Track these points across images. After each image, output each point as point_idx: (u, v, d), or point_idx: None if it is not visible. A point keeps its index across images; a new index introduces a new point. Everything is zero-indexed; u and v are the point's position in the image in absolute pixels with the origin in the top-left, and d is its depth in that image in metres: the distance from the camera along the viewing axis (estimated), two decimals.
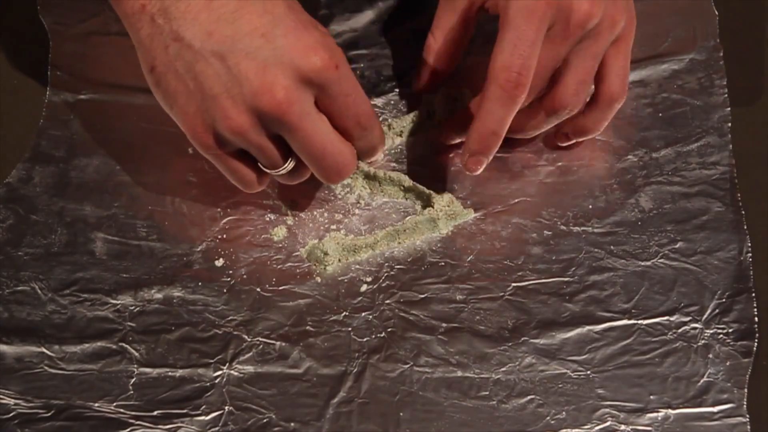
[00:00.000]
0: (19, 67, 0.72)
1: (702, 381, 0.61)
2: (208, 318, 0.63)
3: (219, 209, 0.66)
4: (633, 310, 0.63)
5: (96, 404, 0.61)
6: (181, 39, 0.55)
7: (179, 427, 0.60)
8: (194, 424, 0.60)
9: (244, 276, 0.64)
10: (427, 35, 0.67)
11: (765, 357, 0.61)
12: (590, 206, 0.66)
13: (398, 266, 0.65)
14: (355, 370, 0.62)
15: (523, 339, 0.62)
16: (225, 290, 0.64)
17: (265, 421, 0.60)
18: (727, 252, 0.64)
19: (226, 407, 0.61)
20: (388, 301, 0.63)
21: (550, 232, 0.65)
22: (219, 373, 0.62)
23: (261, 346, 0.62)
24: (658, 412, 0.60)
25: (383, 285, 0.64)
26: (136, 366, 0.62)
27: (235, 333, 0.63)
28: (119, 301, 0.63)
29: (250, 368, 0.62)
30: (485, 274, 0.64)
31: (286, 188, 0.66)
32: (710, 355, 0.61)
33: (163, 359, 0.62)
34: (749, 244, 0.64)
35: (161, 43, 0.56)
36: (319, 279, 0.64)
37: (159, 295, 0.64)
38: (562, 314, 0.63)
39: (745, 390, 0.60)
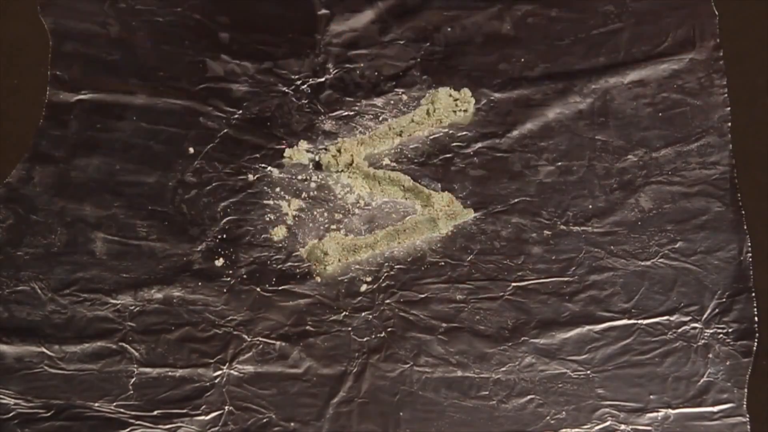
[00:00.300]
0: (19, 67, 0.72)
1: (702, 381, 0.61)
2: (208, 318, 0.63)
3: (219, 209, 0.66)
4: (633, 310, 0.63)
5: (96, 404, 0.61)
6: None
7: (179, 427, 0.60)
8: (194, 423, 0.60)
9: (244, 276, 0.64)
10: None
11: (765, 357, 0.61)
12: (590, 206, 0.66)
13: (398, 266, 0.65)
14: (355, 370, 0.62)
15: (523, 339, 0.62)
16: (225, 290, 0.64)
17: (265, 420, 0.60)
18: (727, 252, 0.64)
19: (226, 407, 0.61)
20: (388, 301, 0.63)
21: (549, 232, 0.65)
22: (219, 372, 0.62)
23: (261, 346, 0.62)
24: (658, 411, 0.60)
25: (383, 285, 0.64)
26: (136, 366, 0.62)
27: (235, 333, 0.63)
28: (119, 301, 0.63)
29: (250, 368, 0.62)
30: (485, 273, 0.64)
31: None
32: (710, 355, 0.61)
33: (163, 359, 0.62)
34: (749, 244, 0.64)
35: None
36: (319, 279, 0.64)
37: (159, 295, 0.64)
38: (562, 314, 0.63)
39: (745, 390, 0.60)
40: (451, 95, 0.70)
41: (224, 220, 0.66)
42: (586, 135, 0.69)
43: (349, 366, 0.62)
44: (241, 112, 0.70)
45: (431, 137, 0.69)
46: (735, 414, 0.60)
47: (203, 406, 0.61)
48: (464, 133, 0.69)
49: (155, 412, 0.60)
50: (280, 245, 0.65)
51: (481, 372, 0.61)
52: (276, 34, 0.73)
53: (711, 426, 0.59)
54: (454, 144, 0.69)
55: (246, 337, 0.63)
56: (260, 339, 0.63)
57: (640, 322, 0.62)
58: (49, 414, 0.60)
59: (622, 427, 0.60)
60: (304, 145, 0.69)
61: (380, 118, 0.70)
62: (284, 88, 0.71)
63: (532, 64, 0.71)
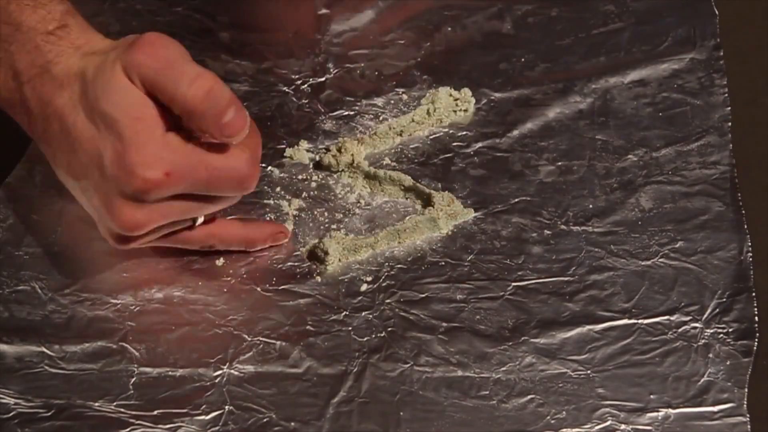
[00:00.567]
0: None
1: (702, 380, 0.60)
2: (209, 317, 0.63)
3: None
4: (633, 310, 0.63)
5: (96, 404, 0.60)
6: None
7: (179, 427, 0.60)
8: (194, 423, 0.60)
9: (245, 275, 0.64)
10: None
11: (765, 356, 0.61)
12: (590, 206, 0.66)
13: (398, 266, 0.65)
14: (355, 370, 0.62)
15: (523, 338, 0.62)
16: (225, 290, 0.64)
17: (265, 420, 0.60)
18: (728, 251, 0.64)
19: (227, 407, 0.61)
20: (388, 301, 0.63)
21: (550, 232, 0.65)
22: (219, 372, 0.62)
23: (261, 346, 0.62)
24: (658, 411, 0.60)
25: (383, 284, 0.64)
26: (136, 365, 0.62)
27: (236, 332, 0.63)
28: (119, 301, 0.63)
29: (250, 368, 0.62)
30: (485, 273, 0.64)
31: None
32: (710, 355, 0.61)
33: (163, 359, 0.62)
34: (749, 244, 0.64)
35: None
36: (319, 278, 0.64)
37: (159, 295, 0.64)
38: (563, 314, 0.63)
39: (746, 389, 0.60)
40: (451, 95, 0.70)
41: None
42: (587, 135, 0.69)
43: (350, 366, 0.62)
44: None
45: (431, 137, 0.69)
46: (735, 414, 0.60)
47: (203, 406, 0.61)
48: (464, 132, 0.69)
49: (155, 412, 0.60)
50: (281, 245, 0.65)
51: (481, 372, 0.61)
52: (276, 34, 0.73)
53: (711, 426, 0.59)
54: (455, 144, 0.69)
55: (246, 336, 0.63)
56: (260, 339, 0.62)
57: (640, 321, 0.62)
58: (49, 414, 0.60)
59: (623, 426, 0.60)
60: (304, 144, 0.69)
61: (380, 118, 0.70)
62: (284, 88, 0.71)
63: (533, 63, 0.71)
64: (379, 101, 0.71)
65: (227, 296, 0.64)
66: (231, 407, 0.61)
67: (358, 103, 0.70)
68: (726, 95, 0.69)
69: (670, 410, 0.60)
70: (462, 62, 0.71)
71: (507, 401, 0.60)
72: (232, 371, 0.62)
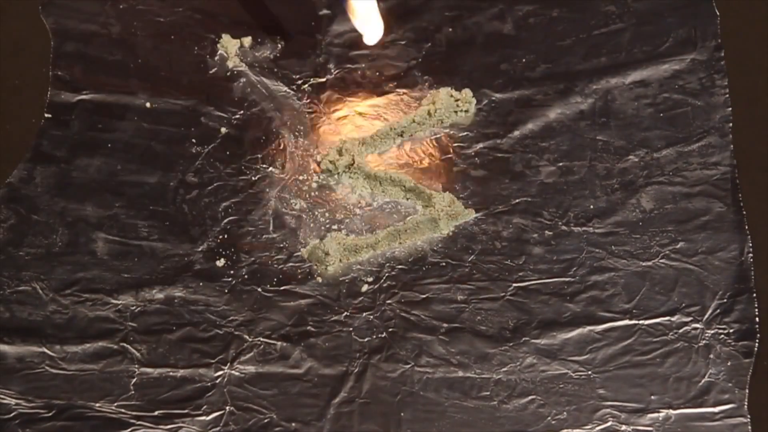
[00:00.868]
0: (20, 67, 0.72)
1: (703, 381, 0.61)
2: (209, 318, 0.63)
3: (220, 209, 0.66)
4: (634, 311, 0.63)
5: (97, 404, 0.61)
6: None
7: (180, 427, 0.60)
8: (195, 424, 0.60)
9: (245, 276, 0.64)
10: None
11: (766, 357, 0.61)
12: (591, 206, 0.66)
13: (399, 266, 0.65)
14: (356, 370, 0.62)
15: (524, 339, 0.62)
16: (226, 290, 0.64)
17: (266, 421, 0.60)
18: (728, 252, 0.64)
19: (227, 407, 0.61)
20: (389, 301, 0.63)
21: (551, 233, 0.65)
22: (220, 373, 0.62)
23: (262, 346, 0.62)
24: (659, 412, 0.60)
25: (384, 285, 0.64)
26: (137, 366, 0.62)
27: (236, 333, 0.63)
28: (120, 301, 0.63)
29: (251, 368, 0.62)
30: (486, 274, 0.64)
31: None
32: (711, 356, 0.61)
33: (164, 359, 0.62)
34: (750, 245, 0.64)
35: None
36: (320, 279, 0.64)
37: (160, 295, 0.64)
38: (563, 314, 0.63)
39: (746, 390, 0.60)
40: (452, 95, 0.70)
41: (225, 221, 0.66)
42: (588, 135, 0.69)
43: (351, 366, 0.62)
44: (242, 112, 0.70)
45: (432, 137, 0.69)
46: (736, 414, 0.60)
47: (204, 407, 0.61)
48: (465, 133, 0.69)
49: (156, 413, 0.60)
50: (282, 245, 0.65)
51: (482, 372, 0.61)
52: (277, 34, 0.73)
53: (712, 426, 0.59)
54: (456, 144, 0.69)
55: (247, 337, 0.63)
56: (261, 339, 0.63)
57: (641, 322, 0.62)
58: (50, 414, 0.60)
59: (623, 427, 0.60)
60: (305, 145, 0.69)
61: (381, 119, 0.70)
62: (286, 88, 0.71)
63: (534, 64, 0.71)
64: (380, 101, 0.71)
65: (228, 297, 0.64)
66: (232, 408, 0.61)
67: (359, 104, 0.70)
68: (727, 96, 0.69)
69: (671, 411, 0.60)
70: (463, 63, 0.71)
71: (508, 402, 0.60)
72: (233, 372, 0.62)
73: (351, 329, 0.63)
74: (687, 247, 0.64)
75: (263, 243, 0.66)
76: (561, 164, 0.68)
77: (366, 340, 0.62)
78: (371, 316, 0.63)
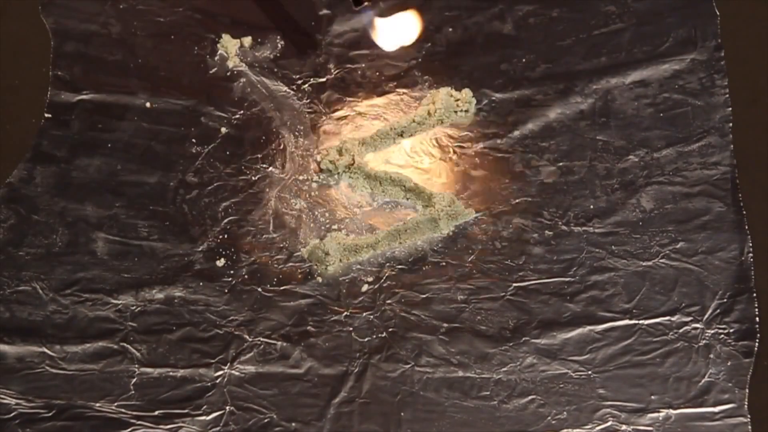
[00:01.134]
0: (20, 67, 0.72)
1: (703, 381, 0.61)
2: (210, 318, 0.63)
3: (220, 209, 0.66)
4: (634, 310, 0.63)
5: (97, 404, 0.61)
6: None
7: (180, 427, 0.60)
8: (195, 424, 0.60)
9: (246, 276, 0.64)
10: None
11: (766, 357, 0.61)
12: (591, 206, 0.66)
13: (399, 266, 0.65)
14: (356, 370, 0.62)
15: (524, 339, 0.62)
16: (226, 290, 0.64)
17: (266, 421, 0.60)
18: (729, 252, 0.64)
19: (227, 407, 0.61)
20: (389, 301, 0.63)
21: (551, 232, 0.65)
22: (220, 373, 0.62)
23: (262, 346, 0.62)
24: (659, 412, 0.60)
25: (384, 285, 0.64)
26: (137, 366, 0.62)
27: (237, 333, 0.63)
28: (120, 301, 0.63)
29: (251, 368, 0.62)
30: (486, 274, 0.64)
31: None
32: (711, 355, 0.61)
33: (164, 359, 0.62)
34: (750, 244, 0.64)
35: None
36: (320, 279, 0.64)
37: (160, 295, 0.64)
38: (563, 314, 0.63)
39: (746, 390, 0.60)
40: (452, 95, 0.70)
41: (225, 220, 0.66)
42: (588, 135, 0.69)
43: (351, 366, 0.62)
44: (242, 112, 0.70)
45: (432, 137, 0.69)
46: (736, 414, 0.60)
47: (204, 407, 0.61)
48: (465, 133, 0.69)
49: (156, 413, 0.60)
50: (282, 245, 0.65)
51: (482, 372, 0.61)
52: (277, 34, 0.73)
53: (712, 426, 0.59)
54: (456, 144, 0.69)
55: (247, 337, 0.63)
56: (261, 339, 0.63)
57: (641, 322, 0.62)
58: (50, 414, 0.60)
59: (623, 427, 0.60)
60: (305, 145, 0.69)
61: (381, 119, 0.70)
62: (286, 88, 0.71)
63: (534, 64, 0.71)
64: (380, 101, 0.71)
65: (228, 297, 0.64)
66: (232, 408, 0.61)
67: (359, 104, 0.70)
68: (727, 96, 0.69)
69: (671, 411, 0.60)
70: (463, 63, 0.71)
71: (508, 402, 0.60)
72: (233, 372, 0.62)
73: (351, 329, 0.63)
74: (687, 247, 0.64)
75: (263, 243, 0.66)
76: (561, 164, 0.68)
77: (366, 340, 0.62)
78: (371, 316, 0.63)
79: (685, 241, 0.65)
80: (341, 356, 0.62)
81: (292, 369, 0.62)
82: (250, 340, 0.62)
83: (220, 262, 0.65)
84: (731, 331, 0.62)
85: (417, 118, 0.69)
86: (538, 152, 0.68)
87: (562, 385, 0.61)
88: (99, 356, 0.62)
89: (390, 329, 0.63)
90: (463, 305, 0.63)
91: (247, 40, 0.73)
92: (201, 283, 0.64)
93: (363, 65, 0.72)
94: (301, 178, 0.68)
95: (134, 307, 0.63)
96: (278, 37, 0.73)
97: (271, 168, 0.68)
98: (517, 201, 0.66)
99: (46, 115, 0.70)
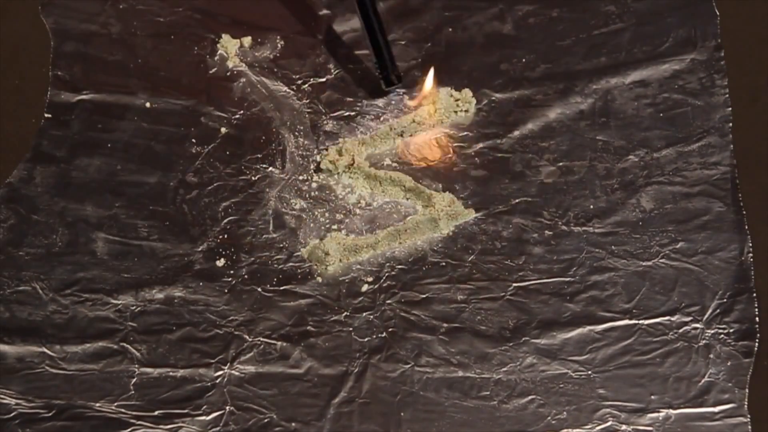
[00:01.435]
0: (19, 67, 0.72)
1: (703, 381, 0.61)
2: (209, 318, 0.63)
3: (220, 209, 0.66)
4: (634, 310, 0.63)
5: (97, 404, 0.61)
6: None
7: (180, 427, 0.60)
8: (195, 424, 0.60)
9: (245, 276, 0.64)
10: None
11: (766, 357, 0.61)
12: (591, 206, 0.66)
13: (399, 266, 0.65)
14: (356, 370, 0.62)
15: (524, 339, 0.62)
16: (226, 290, 0.64)
17: (266, 421, 0.60)
18: (728, 252, 0.64)
19: (227, 407, 0.61)
20: (389, 301, 0.63)
21: (551, 232, 0.65)
22: (220, 373, 0.62)
23: (262, 346, 0.62)
24: (659, 412, 0.60)
25: (384, 285, 0.64)
26: (137, 366, 0.62)
27: (236, 333, 0.63)
28: (120, 301, 0.63)
29: (251, 368, 0.62)
30: (486, 274, 0.64)
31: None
32: (711, 355, 0.61)
33: (164, 359, 0.62)
34: (750, 244, 0.64)
35: None
36: (320, 279, 0.64)
37: (160, 295, 0.64)
38: (563, 314, 0.63)
39: (746, 390, 0.60)
40: (452, 95, 0.70)
41: (225, 220, 0.66)
42: (588, 135, 0.69)
43: (350, 366, 0.62)
44: (242, 112, 0.70)
45: (432, 137, 0.69)
46: (736, 414, 0.60)
47: (204, 407, 0.61)
48: (465, 133, 0.69)
49: (156, 413, 0.60)
50: (282, 245, 0.65)
51: (482, 372, 0.61)
52: (277, 34, 0.73)
53: (712, 426, 0.59)
54: (456, 144, 0.69)
55: (247, 337, 0.63)
56: (261, 339, 0.63)
57: (641, 322, 0.62)
58: (50, 414, 0.60)
59: (623, 427, 0.60)
60: (305, 145, 0.69)
61: (381, 119, 0.70)
62: (285, 88, 0.71)
63: (533, 64, 0.71)
64: (379, 102, 0.71)
65: (228, 297, 0.64)
66: (232, 408, 0.61)
67: (359, 104, 0.70)
68: (727, 96, 0.69)
69: (671, 411, 0.60)
70: (463, 63, 0.71)
71: (508, 402, 0.61)
72: (233, 372, 0.62)
73: (351, 329, 0.63)
74: (687, 247, 0.64)
75: (263, 243, 0.66)
76: (561, 164, 0.68)
77: (366, 340, 0.62)
78: (371, 316, 0.63)
79: (685, 241, 0.65)
80: (341, 356, 0.62)
81: (292, 369, 0.62)
82: (250, 340, 0.63)
83: (220, 262, 0.65)
84: (731, 331, 0.62)
85: (417, 118, 0.69)
86: (538, 152, 0.68)
87: (562, 385, 0.61)
88: (99, 356, 0.62)
89: (390, 329, 0.63)
90: (463, 305, 0.63)
91: (247, 40, 0.73)
92: (201, 283, 0.64)
93: (363, 65, 0.72)
94: (301, 178, 0.68)
95: (134, 307, 0.63)
96: (278, 37, 0.73)
97: (271, 168, 0.68)
98: (517, 201, 0.66)
99: (46, 115, 0.70)
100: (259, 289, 0.64)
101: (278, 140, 0.69)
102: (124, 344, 0.62)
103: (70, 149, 0.68)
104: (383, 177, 0.67)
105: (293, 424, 0.60)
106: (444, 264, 0.65)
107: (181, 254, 0.65)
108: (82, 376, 0.61)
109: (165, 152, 0.68)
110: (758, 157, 0.68)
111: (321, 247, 0.64)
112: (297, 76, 0.72)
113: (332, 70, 0.72)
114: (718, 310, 0.62)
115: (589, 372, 0.61)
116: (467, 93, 0.70)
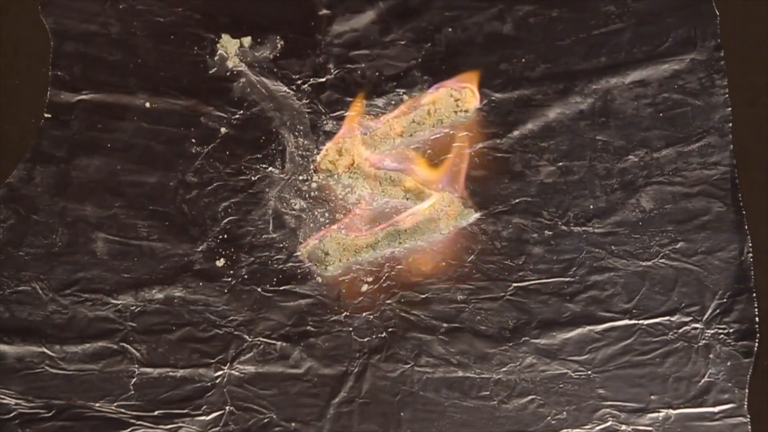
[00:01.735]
0: (19, 67, 0.72)
1: (703, 381, 0.61)
2: (209, 318, 0.63)
3: (220, 209, 0.66)
4: (634, 310, 0.63)
5: (97, 404, 0.61)
6: None
7: (180, 427, 0.60)
8: (195, 424, 0.60)
9: (245, 276, 0.64)
10: None
11: (766, 357, 0.61)
12: (591, 206, 0.66)
13: (399, 266, 0.65)
14: (355, 370, 0.62)
15: (523, 339, 0.62)
16: (226, 290, 0.64)
17: (265, 421, 0.60)
18: (728, 252, 0.64)
19: (227, 407, 0.61)
20: (388, 301, 0.63)
21: (550, 232, 0.65)
22: (220, 373, 0.62)
23: (262, 346, 0.62)
24: (658, 412, 0.60)
25: (384, 285, 0.64)
26: (137, 366, 0.62)
27: (236, 333, 0.63)
28: (120, 301, 0.63)
29: (250, 368, 0.62)
30: (486, 274, 0.64)
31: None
32: (711, 355, 0.61)
33: (164, 359, 0.62)
34: (750, 244, 0.64)
35: None
36: (319, 279, 0.64)
37: (160, 295, 0.64)
38: (563, 314, 0.63)
39: (746, 390, 0.60)
40: (452, 95, 0.70)
41: (225, 221, 0.66)
42: (587, 135, 0.69)
43: (350, 366, 0.62)
44: (242, 112, 0.70)
45: (432, 137, 0.69)
46: (736, 414, 0.60)
47: (204, 407, 0.61)
48: (465, 133, 0.69)
49: (156, 413, 0.60)
50: (281, 245, 0.65)
51: (482, 372, 0.61)
52: (277, 34, 0.73)
53: (712, 426, 0.59)
54: (455, 144, 0.69)
55: (247, 337, 0.63)
56: (261, 339, 0.63)
57: (641, 322, 0.62)
58: (50, 414, 0.60)
59: (623, 427, 0.60)
60: (305, 145, 0.69)
61: (381, 119, 0.70)
62: (285, 88, 0.71)
63: (533, 64, 0.71)
64: (379, 101, 0.71)
65: (228, 297, 0.64)
66: (231, 408, 0.61)
67: (359, 104, 0.70)
68: (726, 96, 0.69)
69: (671, 411, 0.60)
70: (463, 63, 0.71)
71: (508, 402, 0.61)
72: (233, 372, 0.62)
73: (351, 329, 0.63)
74: (687, 247, 0.64)
75: (263, 243, 0.66)
76: (561, 164, 0.68)
77: (366, 340, 0.62)
78: (371, 316, 0.63)
79: (684, 241, 0.65)
80: (341, 356, 0.62)
81: (292, 369, 0.62)
82: (250, 340, 0.63)
83: (220, 262, 0.65)
84: (731, 331, 0.62)
85: (417, 118, 0.69)
86: (538, 152, 0.68)
87: (561, 385, 0.61)
88: (99, 356, 0.62)
89: (390, 329, 0.63)
90: (463, 305, 0.63)
91: (247, 40, 0.73)
92: (201, 283, 0.64)
93: (363, 65, 0.72)
94: (301, 178, 0.68)
95: (134, 307, 0.63)
96: (278, 37, 0.73)
97: (271, 168, 0.68)
98: (517, 201, 0.66)
99: (46, 115, 0.70)
100: (259, 289, 0.64)
101: (278, 140, 0.69)
102: (124, 344, 0.62)
103: (69, 149, 0.68)
104: (383, 177, 0.67)
105: (293, 424, 0.60)
106: (444, 264, 0.65)
107: (180, 254, 0.65)
108: (82, 376, 0.61)
109: (165, 152, 0.68)
110: (758, 157, 0.68)
111: (321, 247, 0.64)
112: (297, 76, 0.72)
113: (332, 70, 0.72)
114: (718, 310, 0.62)
115: (589, 372, 0.61)
116: (467, 93, 0.70)
